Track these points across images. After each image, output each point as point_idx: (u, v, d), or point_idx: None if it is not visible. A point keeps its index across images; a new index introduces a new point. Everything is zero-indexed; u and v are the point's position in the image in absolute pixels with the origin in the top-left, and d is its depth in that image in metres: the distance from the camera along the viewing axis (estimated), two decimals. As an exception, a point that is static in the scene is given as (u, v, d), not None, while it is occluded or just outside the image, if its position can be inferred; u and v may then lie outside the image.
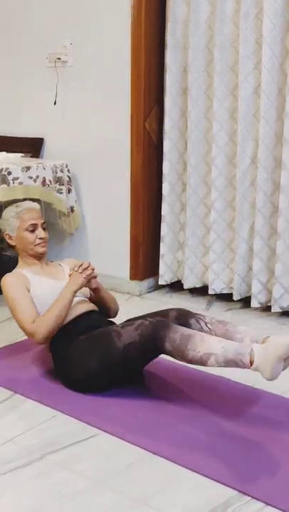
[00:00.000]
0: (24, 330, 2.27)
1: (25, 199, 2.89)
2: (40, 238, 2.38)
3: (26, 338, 2.68)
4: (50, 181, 3.27)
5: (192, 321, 2.18)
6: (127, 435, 1.93)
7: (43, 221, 2.43)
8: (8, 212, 2.44)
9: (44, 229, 2.42)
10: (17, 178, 3.08)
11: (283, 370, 1.85)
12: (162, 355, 2.32)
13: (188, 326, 2.15)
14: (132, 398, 2.16)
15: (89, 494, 1.66)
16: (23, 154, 3.50)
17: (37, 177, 3.19)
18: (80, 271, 2.27)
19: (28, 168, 3.15)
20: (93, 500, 1.63)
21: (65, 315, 2.24)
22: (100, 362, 2.13)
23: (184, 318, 2.20)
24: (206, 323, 2.17)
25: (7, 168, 3.05)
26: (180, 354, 1.97)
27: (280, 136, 2.89)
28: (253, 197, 3.02)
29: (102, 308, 2.43)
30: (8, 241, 2.43)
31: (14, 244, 2.42)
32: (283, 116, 2.83)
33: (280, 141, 2.89)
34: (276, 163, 2.93)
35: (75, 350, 2.19)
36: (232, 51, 2.99)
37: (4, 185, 3.03)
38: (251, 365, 1.86)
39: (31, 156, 3.58)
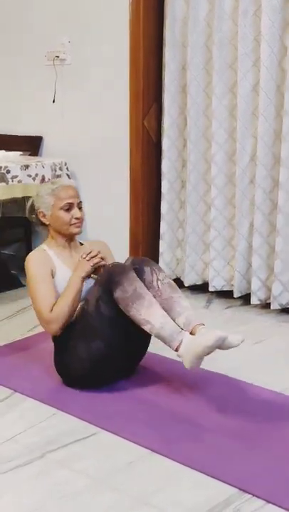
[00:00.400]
0: (41, 317, 2.21)
1: (23, 197, 2.89)
2: (76, 218, 2.27)
3: (26, 337, 2.70)
4: (49, 179, 3.26)
5: (146, 269, 2.21)
6: (127, 433, 1.93)
7: (79, 200, 2.31)
8: (44, 189, 2.32)
9: (80, 208, 2.30)
10: (16, 177, 3.08)
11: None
12: (161, 353, 2.33)
13: (141, 272, 2.18)
14: (132, 396, 2.17)
15: (89, 493, 1.66)
16: (22, 153, 3.50)
17: (36, 175, 3.19)
18: (87, 258, 2.22)
19: (27, 166, 3.15)
20: (93, 499, 1.63)
21: (78, 303, 2.20)
22: (86, 341, 2.13)
23: (139, 264, 2.22)
24: (158, 279, 2.20)
25: (6, 167, 3.05)
26: (124, 306, 2.07)
27: (278, 133, 2.89)
28: (253, 194, 3.03)
29: None
30: (42, 219, 2.30)
31: (48, 222, 2.30)
32: (282, 114, 2.83)
33: (278, 138, 2.89)
34: (275, 160, 2.93)
35: (68, 339, 2.19)
36: (231, 49, 2.99)
37: (3, 184, 3.03)
38: (177, 351, 2.03)
39: (30, 155, 3.58)
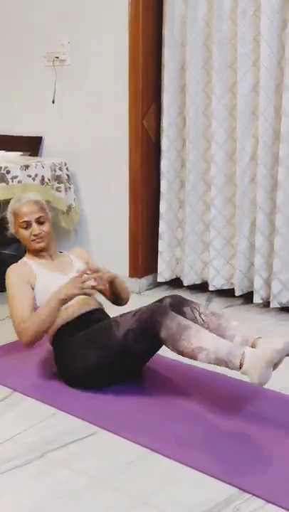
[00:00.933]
0: (14, 326, 2.25)
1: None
2: (34, 235, 2.31)
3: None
4: (48, 179, 3.26)
5: (187, 310, 2.17)
6: (126, 433, 1.93)
7: (39, 215, 2.32)
8: (9, 206, 2.40)
9: (42, 223, 2.32)
10: (16, 177, 3.08)
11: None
12: (161, 353, 2.33)
13: (182, 314, 2.13)
14: (132, 396, 2.17)
15: (89, 493, 1.66)
16: (21, 153, 3.50)
17: (36, 175, 3.19)
18: (80, 279, 2.14)
19: (27, 166, 3.15)
20: (93, 499, 1.63)
21: (50, 322, 2.18)
22: (99, 353, 2.13)
23: (178, 305, 2.19)
24: (200, 314, 2.16)
25: (6, 167, 3.05)
26: (173, 343, 1.98)
27: (278, 132, 2.89)
28: (253, 193, 3.03)
29: (114, 297, 2.41)
30: (15, 234, 2.40)
31: (18, 237, 2.39)
32: (281, 113, 2.83)
33: (278, 138, 2.89)
34: (274, 159, 2.93)
35: (75, 343, 2.19)
36: (230, 48, 2.99)
37: (3, 184, 3.03)
38: (240, 368, 1.86)
39: (30, 155, 3.58)
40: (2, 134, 3.75)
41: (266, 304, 3.08)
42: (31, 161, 3.30)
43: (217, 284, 3.21)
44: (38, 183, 3.20)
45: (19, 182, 3.09)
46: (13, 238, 2.44)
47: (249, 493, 1.64)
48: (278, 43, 2.82)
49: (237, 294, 3.13)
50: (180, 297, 2.25)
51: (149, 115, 3.29)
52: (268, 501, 1.61)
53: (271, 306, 2.99)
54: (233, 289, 3.17)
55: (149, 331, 2.03)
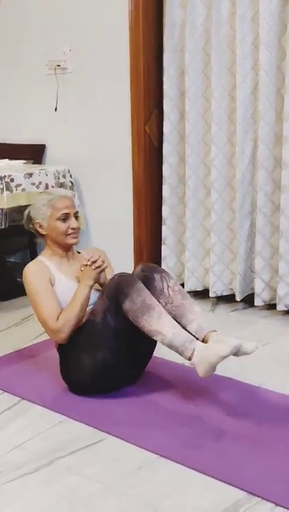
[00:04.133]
0: (47, 327, 2.21)
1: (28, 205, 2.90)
2: (72, 228, 2.27)
3: (32, 344, 2.71)
4: (52, 187, 3.28)
5: (156, 277, 2.20)
6: (134, 438, 1.94)
7: (75, 210, 2.32)
8: (40, 199, 2.32)
9: (77, 218, 2.31)
10: (20, 185, 3.10)
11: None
12: (165, 356, 2.33)
13: (151, 280, 2.18)
14: (138, 401, 2.17)
15: (99, 499, 1.66)
16: (25, 161, 3.52)
17: (39, 183, 3.21)
18: (90, 264, 2.21)
19: (31, 174, 3.17)
20: (103, 505, 1.64)
21: (85, 312, 2.20)
22: (91, 352, 2.13)
23: (149, 271, 2.22)
24: (168, 287, 2.19)
25: (10, 175, 3.07)
26: (134, 318, 2.06)
27: (279, 136, 2.90)
28: (253, 196, 3.03)
29: None
30: (39, 229, 2.30)
31: (45, 233, 2.30)
32: (282, 117, 2.84)
33: (279, 142, 2.90)
34: (276, 162, 2.94)
35: (71, 351, 2.19)
36: (229, 53, 3.00)
37: (7, 192, 3.05)
38: (190, 360, 2.01)
39: (33, 163, 3.60)
40: (5, 142, 3.77)
41: (270, 307, 3.08)
42: (35, 168, 3.32)
43: (218, 290, 3.20)
44: (42, 190, 3.21)
45: (23, 190, 3.11)
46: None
47: (258, 496, 1.64)
48: (277, 47, 2.83)
49: (238, 298, 3.13)
50: (153, 265, 2.29)
51: (151, 121, 3.31)
52: (278, 504, 1.61)
53: (278, 308, 2.99)
54: (234, 294, 3.16)
55: (117, 303, 2.07)
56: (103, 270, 2.24)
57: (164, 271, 2.26)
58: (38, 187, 3.20)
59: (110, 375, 2.18)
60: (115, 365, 2.15)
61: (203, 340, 2.06)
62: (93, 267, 2.21)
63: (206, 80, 3.12)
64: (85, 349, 2.16)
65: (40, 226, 2.30)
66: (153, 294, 2.13)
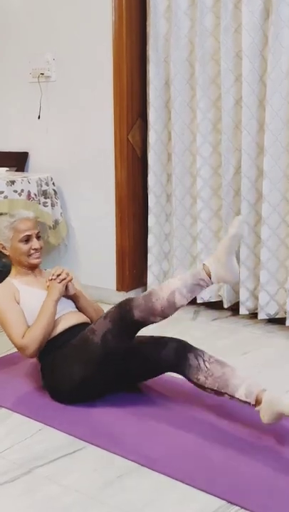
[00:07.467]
0: (14, 344, 2.26)
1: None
2: (34, 249, 2.35)
3: (13, 351, 2.68)
4: (35, 195, 3.27)
5: (190, 356, 2.11)
6: (114, 447, 1.93)
7: (37, 231, 2.39)
8: (2, 221, 2.39)
9: (38, 238, 2.38)
10: (2, 192, 3.08)
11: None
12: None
13: (186, 359, 2.10)
14: (119, 410, 2.16)
15: (78, 508, 1.65)
16: (7, 168, 3.51)
17: (22, 191, 3.20)
18: (54, 278, 2.30)
19: (13, 182, 3.16)
20: (82, 513, 1.62)
21: (52, 326, 2.25)
22: (83, 367, 2.13)
23: (183, 350, 2.14)
24: (204, 361, 2.09)
25: (-8, 183, 3.06)
26: (150, 311, 2.05)
27: (261, 146, 2.93)
28: (238, 206, 3.06)
29: (87, 317, 2.43)
30: (2, 250, 2.39)
31: (8, 254, 2.38)
32: (264, 128, 2.87)
33: (262, 152, 2.93)
34: (259, 172, 2.97)
35: (59, 360, 2.20)
36: (213, 64, 3.03)
37: (-11, 200, 3.03)
38: (210, 278, 2.07)
39: (16, 170, 3.59)
40: (-12, 150, 3.76)
41: (252, 316, 3.10)
42: (17, 176, 3.30)
43: (205, 296, 3.22)
44: (25, 198, 3.20)
45: (5, 197, 3.09)
46: (2, 254, 2.45)
47: (237, 505, 1.64)
48: (260, 59, 2.87)
49: (226, 306, 3.15)
50: (185, 342, 2.19)
51: (134, 130, 3.32)
52: (257, 513, 1.62)
53: (259, 317, 3.00)
54: (221, 301, 3.18)
55: (124, 324, 2.09)
56: (69, 281, 2.32)
57: (196, 348, 2.16)
58: (20, 194, 3.18)
59: (96, 387, 2.19)
60: (103, 380, 2.17)
61: (256, 403, 1.97)
62: (58, 280, 2.29)
63: (191, 90, 3.14)
64: (75, 362, 2.15)
65: (3, 247, 2.38)
66: (189, 373, 2.08)
